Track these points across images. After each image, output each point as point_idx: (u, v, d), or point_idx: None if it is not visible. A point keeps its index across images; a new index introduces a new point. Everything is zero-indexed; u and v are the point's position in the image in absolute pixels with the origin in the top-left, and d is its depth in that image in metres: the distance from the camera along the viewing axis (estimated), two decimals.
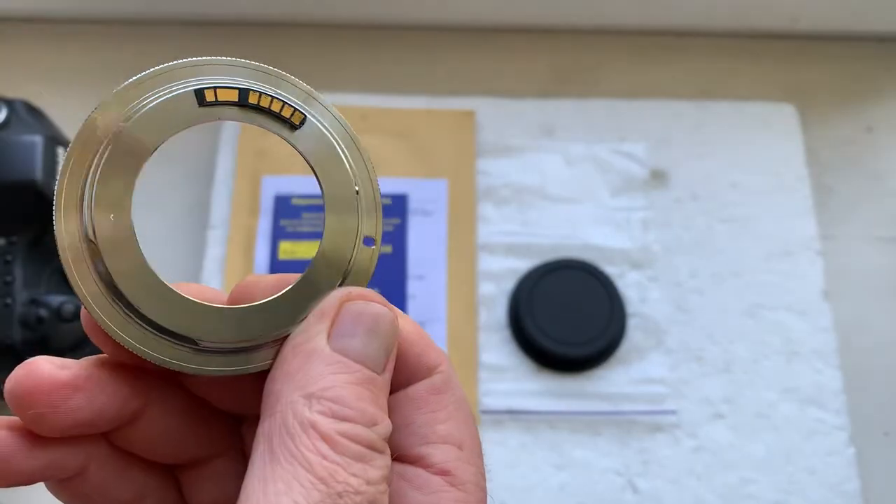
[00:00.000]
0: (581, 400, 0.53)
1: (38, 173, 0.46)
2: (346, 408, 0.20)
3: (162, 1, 0.65)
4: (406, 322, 0.23)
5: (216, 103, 0.22)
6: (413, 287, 0.55)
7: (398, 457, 0.22)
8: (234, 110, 0.22)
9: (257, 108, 0.23)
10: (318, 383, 0.20)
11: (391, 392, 0.23)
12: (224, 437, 0.24)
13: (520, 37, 0.67)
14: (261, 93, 0.22)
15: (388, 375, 0.21)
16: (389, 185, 0.58)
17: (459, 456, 0.22)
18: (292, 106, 0.23)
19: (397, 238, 0.56)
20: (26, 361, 0.21)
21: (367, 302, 0.22)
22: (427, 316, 0.54)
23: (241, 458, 0.24)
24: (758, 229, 0.59)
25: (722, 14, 0.66)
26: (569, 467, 0.52)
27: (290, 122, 0.23)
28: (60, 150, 0.48)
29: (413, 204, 0.58)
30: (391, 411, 0.22)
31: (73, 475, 0.22)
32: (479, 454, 0.23)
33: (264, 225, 0.56)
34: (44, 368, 0.21)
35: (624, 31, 0.67)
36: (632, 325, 0.55)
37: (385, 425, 0.20)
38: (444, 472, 0.22)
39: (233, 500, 0.23)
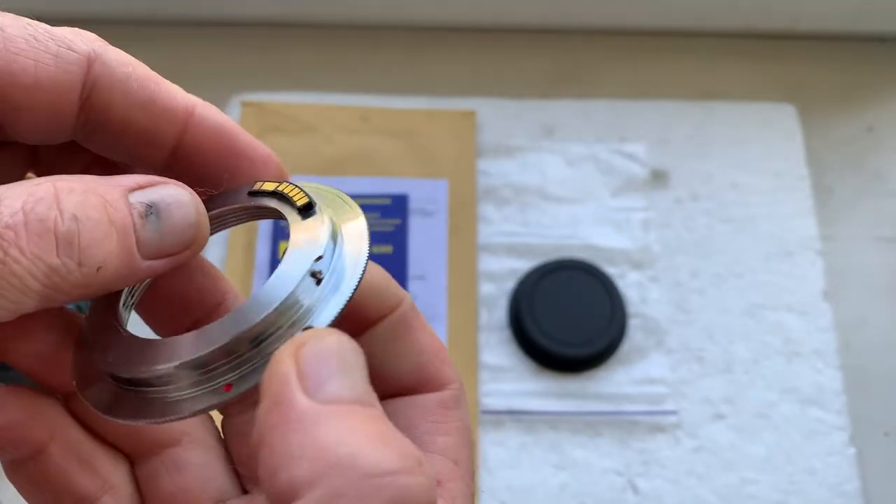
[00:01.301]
0: (581, 400, 0.53)
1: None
2: (384, 461, 0.16)
3: (162, 1, 0.65)
4: (424, 334, 0.23)
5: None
6: (413, 287, 0.55)
7: None
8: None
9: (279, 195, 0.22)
10: (338, 448, 0.16)
11: (398, 395, 0.22)
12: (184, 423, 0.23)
13: (520, 37, 0.67)
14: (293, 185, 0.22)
15: (379, 405, 0.18)
16: (390, 185, 0.58)
17: (454, 470, 0.22)
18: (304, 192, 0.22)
19: (398, 238, 0.56)
20: None
21: (320, 339, 0.18)
22: (427, 316, 0.54)
23: (197, 446, 0.23)
24: (758, 229, 0.59)
25: (722, 14, 0.66)
26: (569, 467, 0.52)
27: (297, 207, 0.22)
28: None
29: (413, 204, 0.57)
30: (398, 414, 0.22)
31: (33, 451, 0.21)
32: (472, 477, 0.22)
33: (264, 225, 0.56)
34: None
35: (624, 31, 0.67)
36: (632, 325, 0.55)
37: (422, 458, 0.17)
38: (436, 484, 0.21)
39: (190, 493, 0.22)
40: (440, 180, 0.58)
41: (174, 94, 0.22)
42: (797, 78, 0.66)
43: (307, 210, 0.21)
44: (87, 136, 0.22)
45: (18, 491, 0.22)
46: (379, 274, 0.23)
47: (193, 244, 0.20)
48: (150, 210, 0.19)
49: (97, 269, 0.18)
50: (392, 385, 0.23)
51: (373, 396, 0.18)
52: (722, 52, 0.67)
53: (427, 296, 0.55)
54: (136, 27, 0.67)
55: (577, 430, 0.53)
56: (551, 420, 0.53)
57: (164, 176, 0.20)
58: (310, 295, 0.19)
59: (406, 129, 0.60)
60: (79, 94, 0.21)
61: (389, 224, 0.57)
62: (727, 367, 0.55)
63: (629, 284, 0.56)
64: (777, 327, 0.56)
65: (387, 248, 0.56)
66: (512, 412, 0.53)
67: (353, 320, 0.22)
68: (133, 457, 0.23)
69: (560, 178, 0.60)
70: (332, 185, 0.23)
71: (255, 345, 0.18)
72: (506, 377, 0.54)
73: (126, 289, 0.21)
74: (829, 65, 0.66)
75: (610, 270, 0.56)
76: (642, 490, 0.51)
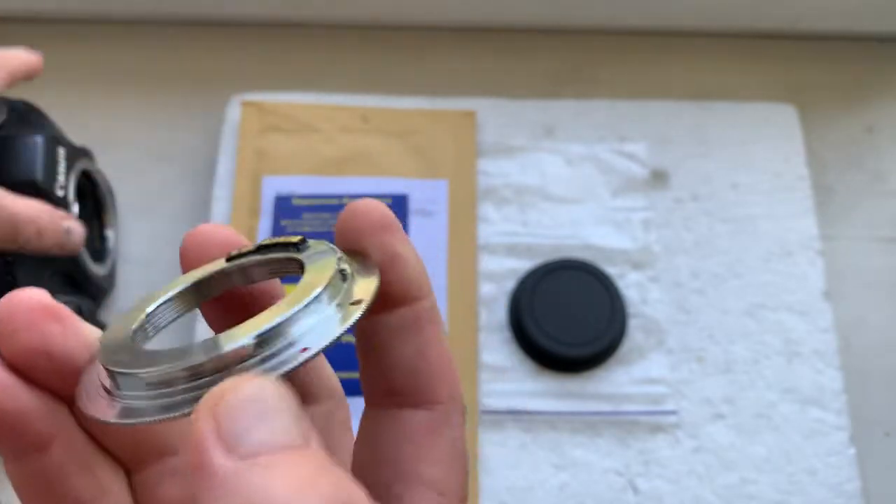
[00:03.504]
0: (581, 400, 0.53)
1: (39, 173, 0.46)
2: None
3: (162, 1, 0.65)
4: (432, 341, 0.21)
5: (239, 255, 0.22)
6: None
7: (371, 488, 0.20)
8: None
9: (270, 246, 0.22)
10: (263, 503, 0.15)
11: (387, 407, 0.21)
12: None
13: (520, 37, 0.67)
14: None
15: (315, 444, 0.17)
16: (389, 185, 0.58)
17: (438, 503, 0.20)
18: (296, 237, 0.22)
19: None
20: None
21: (237, 388, 0.17)
22: None
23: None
24: (758, 229, 0.59)
25: (722, 14, 0.66)
26: (569, 467, 0.52)
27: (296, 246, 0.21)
28: (61, 150, 0.48)
29: (413, 204, 0.57)
30: (384, 432, 0.21)
31: (37, 445, 0.21)
32: (463, 499, 0.21)
33: (265, 225, 0.56)
34: (31, 293, 0.20)
35: (624, 31, 0.67)
36: (632, 325, 0.55)
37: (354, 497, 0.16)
38: None
39: (188, 500, 0.22)
40: (440, 180, 0.58)
41: None
42: (797, 78, 0.66)
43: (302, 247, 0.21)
44: None
45: (15, 489, 0.22)
46: (415, 262, 0.22)
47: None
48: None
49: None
50: (381, 384, 0.22)
51: (304, 436, 0.17)
52: (722, 52, 0.67)
53: None
54: (137, 27, 0.67)
55: (577, 430, 0.53)
56: (551, 420, 0.53)
57: None
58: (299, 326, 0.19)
59: (406, 129, 0.60)
60: None
61: None
62: (727, 367, 0.55)
63: (629, 284, 0.56)
64: (777, 327, 0.56)
65: None
66: (512, 412, 0.53)
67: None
68: (131, 465, 0.23)
69: (560, 178, 0.60)
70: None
71: (219, 370, 0.18)
72: (506, 377, 0.54)
73: (144, 315, 0.21)
74: (829, 65, 0.66)
75: (610, 270, 0.56)
76: (642, 490, 0.51)
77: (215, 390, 0.17)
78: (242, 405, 0.16)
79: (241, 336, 0.18)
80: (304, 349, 0.18)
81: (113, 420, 0.19)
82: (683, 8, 0.65)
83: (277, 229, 0.56)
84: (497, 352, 0.54)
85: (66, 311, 0.20)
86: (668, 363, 0.54)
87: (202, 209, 0.59)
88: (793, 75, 0.66)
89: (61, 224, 0.44)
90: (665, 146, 0.61)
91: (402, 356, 0.22)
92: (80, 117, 0.63)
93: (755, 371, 0.54)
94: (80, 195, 0.52)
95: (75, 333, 0.20)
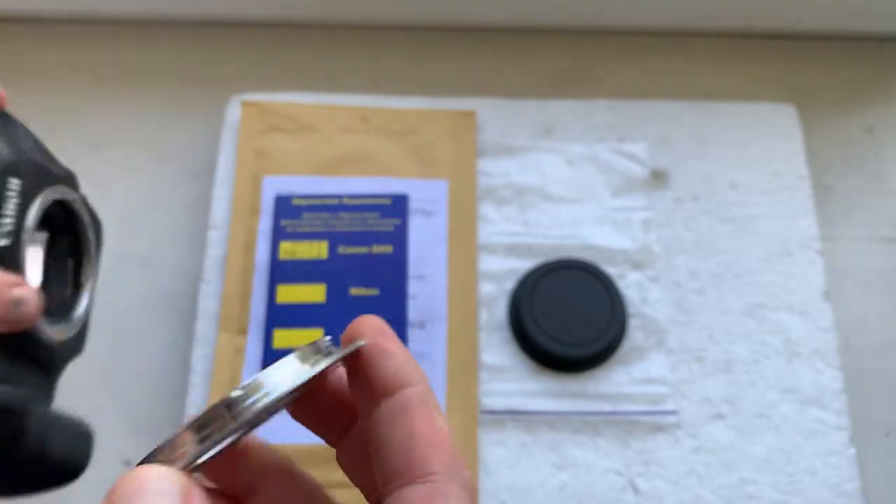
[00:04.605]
0: (582, 400, 0.53)
1: None
2: None
3: (162, 1, 0.65)
4: (420, 419, 0.23)
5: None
6: (413, 287, 0.55)
7: None
8: None
9: None
10: None
11: (391, 492, 0.22)
12: None
13: (520, 37, 0.67)
14: None
15: None
16: (389, 185, 0.58)
17: None
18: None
19: (398, 238, 0.56)
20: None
21: (131, 478, 0.19)
22: (427, 316, 0.54)
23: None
24: (758, 229, 0.59)
25: (722, 14, 0.66)
26: (569, 467, 0.52)
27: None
28: (13, 181, 0.35)
29: (413, 204, 0.57)
30: None
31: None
32: None
33: (265, 225, 0.56)
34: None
35: (624, 31, 0.67)
36: (632, 325, 0.55)
37: None
38: None
39: None
40: (440, 180, 0.58)
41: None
42: (797, 78, 0.66)
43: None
44: None
45: None
46: (402, 356, 0.24)
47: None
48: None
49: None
50: (385, 473, 0.23)
51: None
52: (722, 52, 0.67)
53: (427, 296, 0.55)
54: (137, 27, 0.67)
55: (577, 429, 0.53)
56: (551, 420, 0.53)
57: None
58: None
59: (406, 129, 0.60)
60: None
61: (389, 224, 0.57)
62: (727, 367, 0.55)
63: (629, 284, 0.56)
64: (777, 327, 0.56)
65: (387, 248, 0.56)
66: (512, 412, 0.53)
67: (360, 397, 0.25)
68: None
69: (560, 178, 0.60)
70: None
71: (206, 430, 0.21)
72: (506, 377, 0.54)
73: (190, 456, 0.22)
74: (829, 65, 0.66)
75: (610, 270, 0.56)
76: (642, 490, 0.51)
77: (114, 484, 0.19)
78: (133, 492, 0.19)
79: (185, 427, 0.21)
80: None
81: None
82: (684, 8, 0.65)
83: (277, 229, 0.56)
84: (497, 352, 0.54)
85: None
86: (668, 363, 0.54)
87: (202, 209, 0.59)
88: (793, 75, 0.66)
89: (7, 294, 0.33)
90: (665, 146, 0.61)
91: (396, 439, 0.23)
92: (80, 117, 0.64)
93: (755, 371, 0.54)
94: (54, 230, 0.39)
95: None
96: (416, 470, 0.22)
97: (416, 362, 0.25)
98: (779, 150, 0.61)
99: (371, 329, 0.25)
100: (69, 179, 0.40)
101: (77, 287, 0.41)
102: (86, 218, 0.41)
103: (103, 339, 0.46)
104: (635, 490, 0.51)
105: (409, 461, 0.22)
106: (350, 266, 0.55)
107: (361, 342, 0.24)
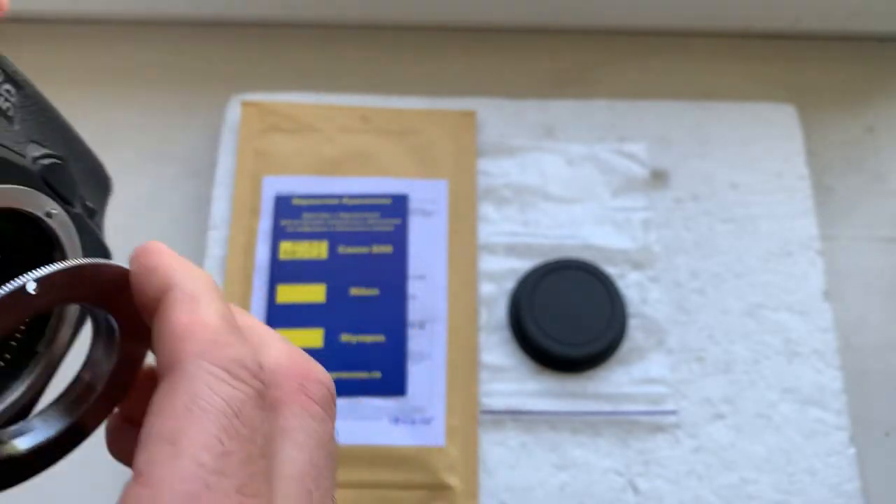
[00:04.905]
0: (582, 400, 0.53)
1: None
2: None
3: (162, 1, 0.65)
4: (175, 313, 0.21)
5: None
6: (413, 287, 0.55)
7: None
8: None
9: None
10: None
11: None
12: None
13: (520, 37, 0.67)
14: None
15: None
16: (389, 185, 0.58)
17: (170, 453, 0.19)
18: None
19: (397, 238, 0.56)
20: None
21: None
22: (427, 316, 0.54)
23: None
24: (758, 229, 0.59)
25: (722, 14, 0.66)
26: (569, 467, 0.52)
27: None
28: None
29: (413, 204, 0.57)
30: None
31: None
32: (208, 447, 0.19)
33: (265, 225, 0.56)
34: None
35: (624, 31, 0.67)
36: (632, 325, 0.55)
37: None
38: (139, 475, 0.19)
39: None
40: (440, 180, 0.58)
41: None
42: (797, 78, 0.66)
43: None
44: None
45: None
46: (154, 269, 0.22)
47: None
48: None
49: None
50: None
51: None
52: (722, 52, 0.67)
53: (427, 296, 0.55)
54: (137, 27, 0.67)
55: (577, 429, 0.53)
56: (551, 420, 0.53)
57: None
58: None
59: (406, 129, 0.60)
60: None
61: (389, 224, 0.57)
62: (727, 367, 0.55)
63: (629, 284, 0.56)
64: (777, 327, 0.56)
65: (387, 248, 0.56)
66: (512, 412, 0.53)
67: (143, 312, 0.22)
68: None
69: (560, 178, 0.60)
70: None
71: None
72: (506, 377, 0.54)
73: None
74: (829, 65, 0.66)
75: (610, 270, 0.56)
76: (642, 490, 0.51)
77: None
78: None
79: None
80: None
81: None
82: (684, 8, 0.65)
83: (277, 229, 0.56)
84: (497, 352, 0.54)
85: None
86: (668, 363, 0.54)
87: (202, 209, 0.59)
88: (793, 75, 0.66)
89: None
90: (665, 146, 0.61)
91: (157, 349, 0.22)
92: (80, 117, 0.63)
93: (755, 371, 0.54)
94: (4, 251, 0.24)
95: None
96: (164, 367, 0.20)
97: (190, 263, 0.22)
98: (779, 150, 0.61)
99: (135, 256, 0.23)
100: (63, 180, 0.26)
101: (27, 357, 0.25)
102: (67, 242, 0.26)
103: None
104: (635, 490, 0.51)
105: (161, 364, 0.21)
106: (350, 266, 0.55)
107: (82, 260, 0.22)
